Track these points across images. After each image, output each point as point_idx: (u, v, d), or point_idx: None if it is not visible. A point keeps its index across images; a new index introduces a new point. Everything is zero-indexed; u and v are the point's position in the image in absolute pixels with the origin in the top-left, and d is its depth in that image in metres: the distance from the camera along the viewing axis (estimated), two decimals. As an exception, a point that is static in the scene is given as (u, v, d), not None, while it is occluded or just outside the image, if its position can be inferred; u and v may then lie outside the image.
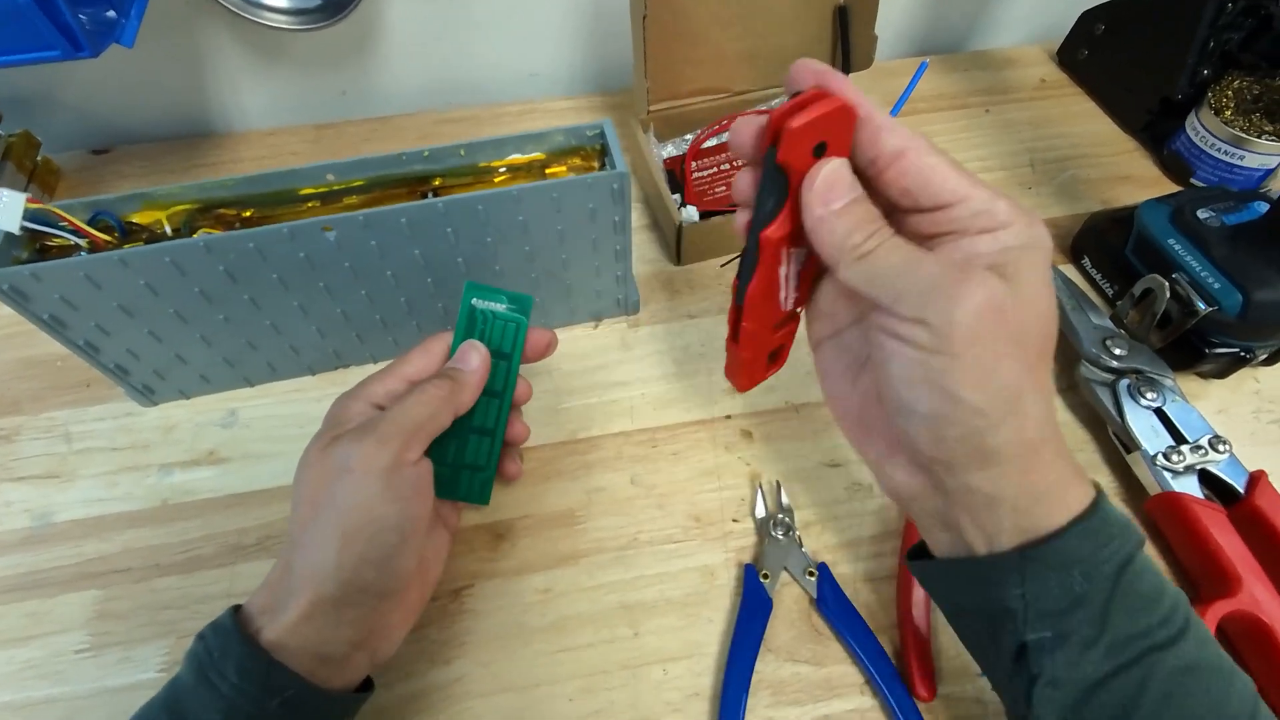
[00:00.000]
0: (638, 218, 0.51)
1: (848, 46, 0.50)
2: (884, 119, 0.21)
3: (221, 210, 0.35)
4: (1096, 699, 0.21)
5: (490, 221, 0.35)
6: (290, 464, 0.27)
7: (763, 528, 0.36)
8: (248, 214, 0.35)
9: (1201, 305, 0.38)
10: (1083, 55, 0.59)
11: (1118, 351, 0.40)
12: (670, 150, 0.53)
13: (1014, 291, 0.20)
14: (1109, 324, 0.42)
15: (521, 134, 0.36)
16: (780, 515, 0.36)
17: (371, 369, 0.42)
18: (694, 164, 0.50)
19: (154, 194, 0.34)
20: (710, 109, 0.52)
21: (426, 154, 0.35)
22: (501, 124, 0.58)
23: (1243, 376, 0.42)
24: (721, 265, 0.47)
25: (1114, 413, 0.38)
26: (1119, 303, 0.43)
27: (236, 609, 0.25)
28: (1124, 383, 0.39)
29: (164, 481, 0.38)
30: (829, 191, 0.21)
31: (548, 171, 0.37)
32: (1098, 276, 0.46)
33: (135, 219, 0.34)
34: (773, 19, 0.48)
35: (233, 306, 0.35)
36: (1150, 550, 0.36)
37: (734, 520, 0.37)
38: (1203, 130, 0.49)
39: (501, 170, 0.37)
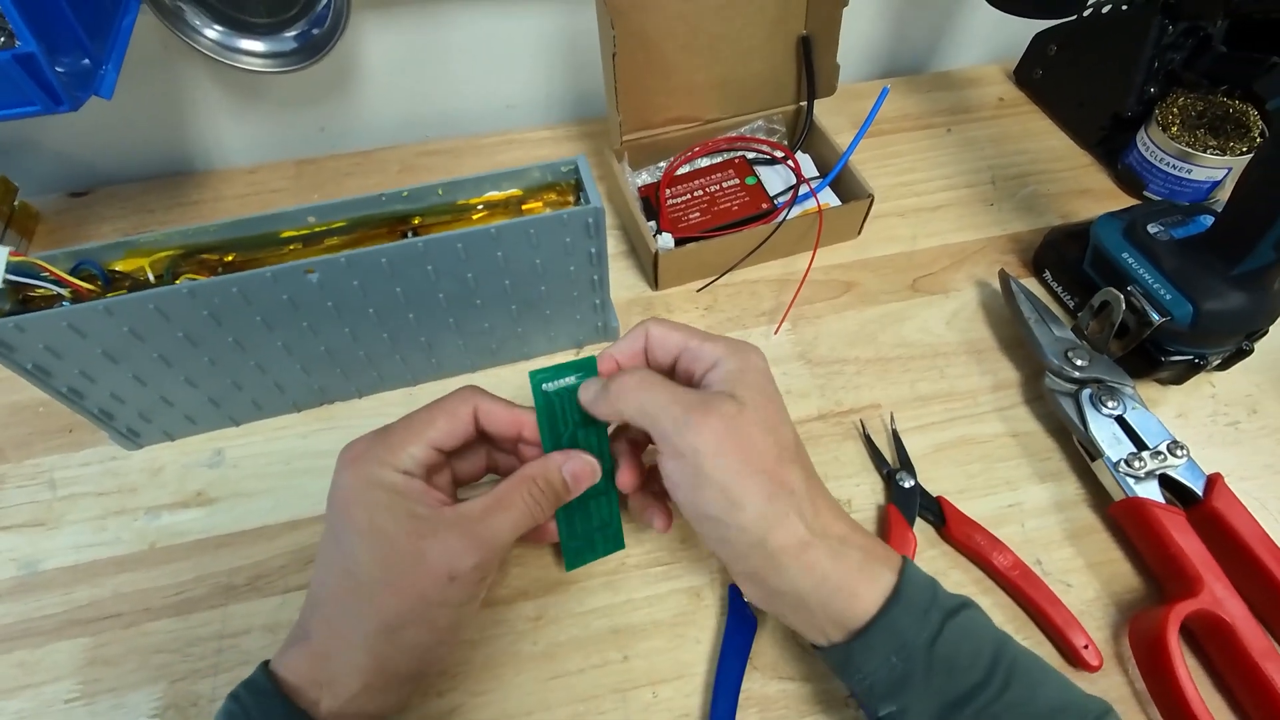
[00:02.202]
0: (615, 244, 0.52)
1: (812, 74, 0.52)
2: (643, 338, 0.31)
3: (204, 255, 0.36)
4: None
5: (470, 258, 0.36)
6: (279, 500, 0.28)
7: (746, 547, 0.37)
8: (230, 258, 0.36)
9: (1155, 316, 0.40)
10: (1038, 75, 0.61)
11: (1079, 362, 0.41)
12: (645, 178, 0.54)
13: (740, 409, 0.26)
14: (1071, 335, 0.43)
15: (498, 172, 0.37)
16: (762, 534, 0.37)
17: (357, 404, 0.43)
18: (668, 191, 0.51)
19: (136, 241, 0.34)
20: (683, 137, 0.53)
21: (406, 194, 0.36)
22: (481, 154, 0.59)
23: (1199, 381, 0.44)
24: (698, 290, 0.48)
25: (1077, 422, 0.40)
26: (1079, 314, 0.45)
27: (267, 667, 0.26)
28: (1086, 392, 0.40)
29: (152, 524, 0.39)
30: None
31: (524, 208, 0.38)
32: (1059, 289, 0.48)
33: (118, 267, 0.35)
34: (740, 49, 0.50)
35: (217, 348, 0.36)
36: (1117, 553, 0.37)
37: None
38: (1152, 145, 0.52)
39: (480, 207, 0.38)
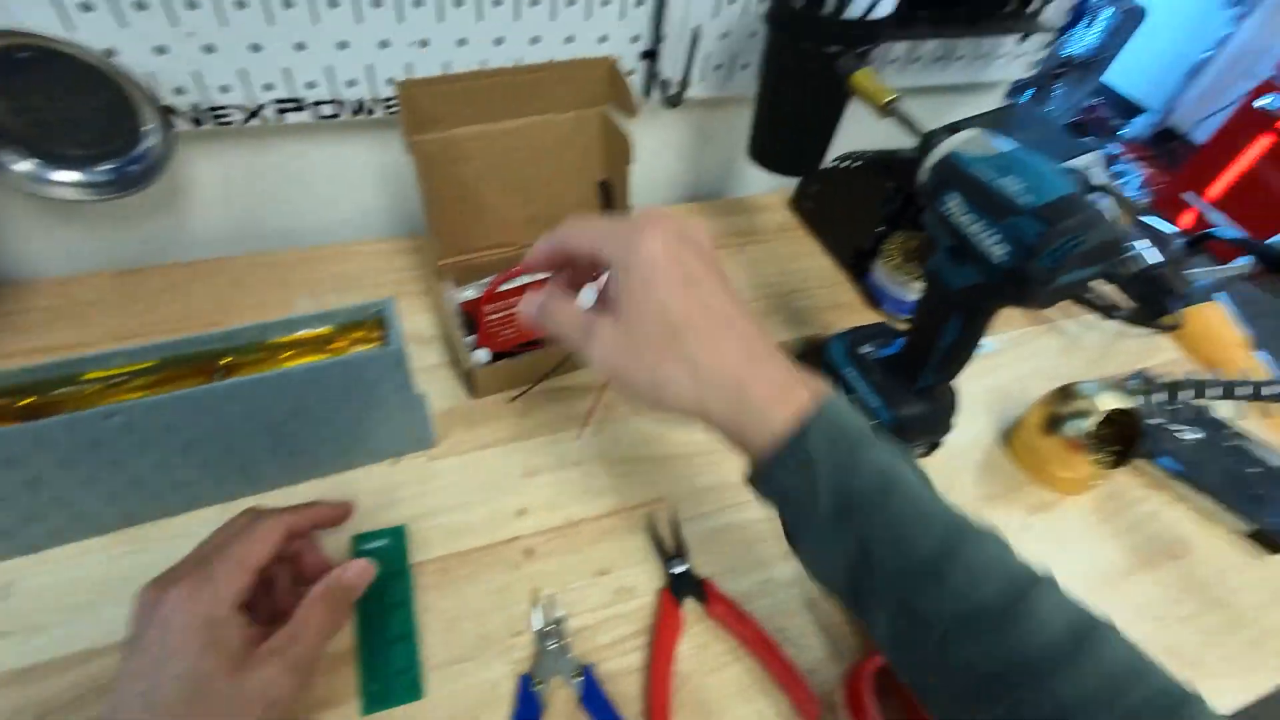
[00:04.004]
0: (438, 355, 0.57)
1: (613, 210, 0.61)
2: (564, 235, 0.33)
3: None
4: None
5: (279, 396, 0.39)
6: (78, 629, 0.30)
7: (539, 639, 0.42)
8: (26, 401, 0.37)
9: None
10: (807, 206, 0.75)
11: (816, 458, 0.51)
12: (470, 293, 0.60)
13: (620, 307, 0.30)
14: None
15: (308, 315, 0.42)
16: (553, 625, 0.43)
17: (166, 524, 0.44)
18: (488, 308, 0.58)
19: (-79, 386, 0.35)
20: (503, 259, 0.60)
21: (216, 337, 0.40)
22: (315, 267, 0.62)
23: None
24: (511, 400, 0.54)
25: (814, 508, 0.49)
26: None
27: None
28: (822, 482, 0.50)
29: (-76, 669, 0.37)
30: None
31: (331, 347, 0.42)
32: None
33: (-101, 411, 0.35)
34: (550, 191, 0.58)
35: (7, 488, 0.37)
36: (842, 617, 0.46)
37: (516, 634, 0.43)
38: (881, 273, 0.65)
39: (290, 347, 0.42)
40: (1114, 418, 0.53)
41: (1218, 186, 2.46)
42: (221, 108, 0.51)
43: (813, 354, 0.59)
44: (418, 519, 0.47)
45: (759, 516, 0.51)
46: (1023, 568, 0.29)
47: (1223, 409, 0.61)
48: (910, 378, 0.50)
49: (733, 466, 0.53)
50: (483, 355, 0.54)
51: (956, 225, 0.41)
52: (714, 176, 0.79)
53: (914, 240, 0.65)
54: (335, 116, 0.55)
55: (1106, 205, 0.68)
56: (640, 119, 0.60)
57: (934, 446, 0.54)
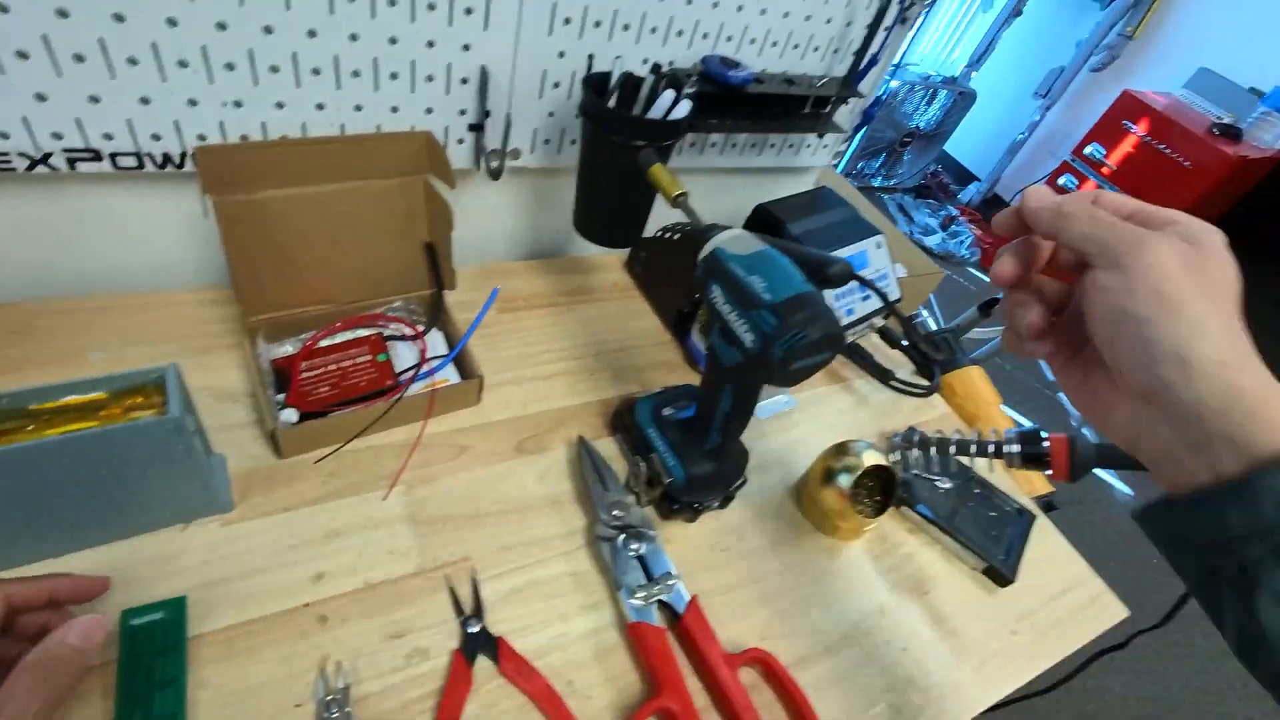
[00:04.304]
0: (247, 413, 0.56)
1: (438, 272, 0.63)
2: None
3: None
4: None
5: (31, 469, 0.38)
6: None
7: (321, 709, 0.42)
8: None
9: (665, 478, 0.56)
10: (637, 269, 0.80)
11: (617, 513, 0.55)
12: (287, 349, 0.59)
13: (1197, 249, 0.28)
14: (622, 491, 0.58)
15: (80, 380, 0.40)
16: (337, 694, 0.43)
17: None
18: (304, 364, 0.57)
19: None
20: (324, 314, 0.60)
21: (-37, 404, 0.37)
22: (116, 316, 0.59)
23: (707, 519, 0.61)
24: (315, 461, 0.54)
25: (610, 561, 0.53)
26: (629, 472, 0.59)
27: None
28: (622, 537, 0.54)
29: None
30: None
31: (103, 413, 0.41)
32: (625, 449, 0.63)
33: None
34: (373, 252, 0.59)
35: None
36: (629, 666, 0.50)
37: (297, 706, 0.43)
38: (695, 336, 0.71)
39: (57, 414, 0.40)
40: (877, 472, 0.61)
41: (1031, 249, 2.85)
42: (3, 154, 0.49)
43: (626, 412, 0.63)
44: (204, 588, 0.46)
45: (560, 571, 0.53)
46: None
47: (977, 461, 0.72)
48: (700, 439, 0.56)
49: (544, 523, 0.56)
50: (290, 415, 0.53)
51: (719, 312, 0.47)
52: (553, 235, 0.83)
53: (725, 308, 0.72)
54: (140, 167, 0.53)
55: (890, 281, 0.79)
56: (478, 181, 0.63)
57: (728, 499, 0.60)
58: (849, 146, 3.08)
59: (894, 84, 2.87)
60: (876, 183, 3.27)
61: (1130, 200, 0.32)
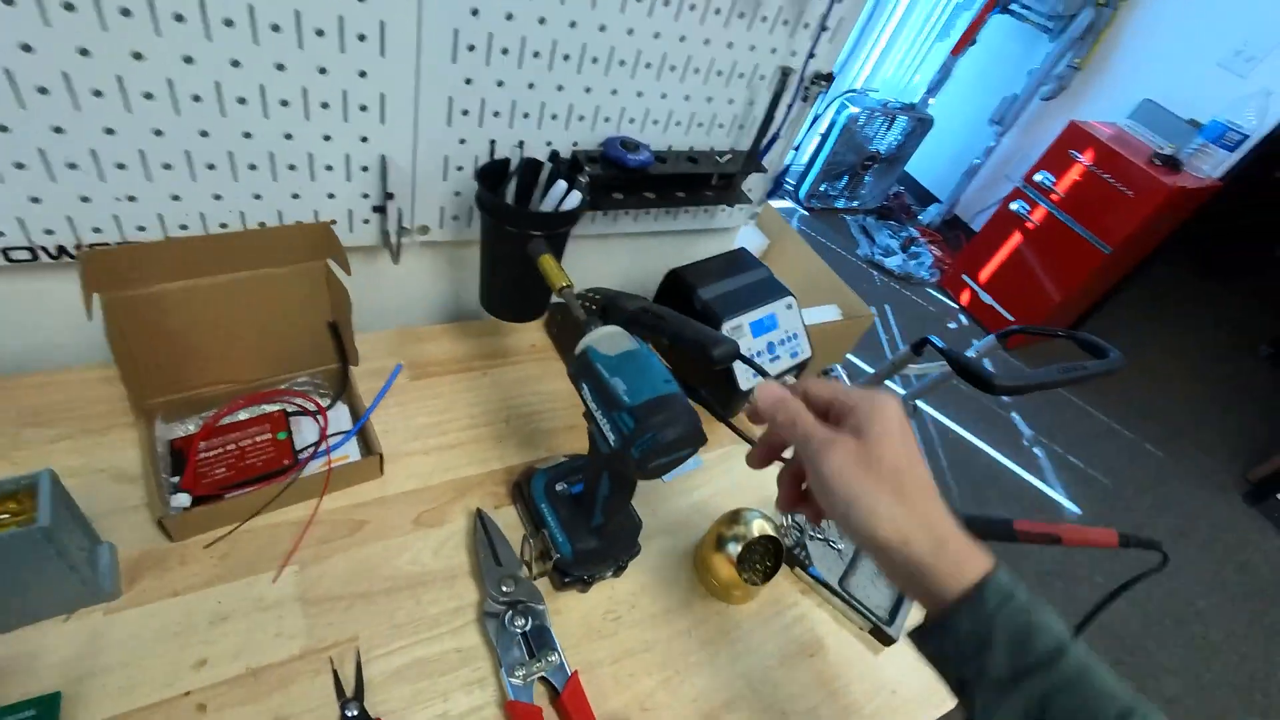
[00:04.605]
0: (142, 495, 0.57)
1: (343, 349, 0.64)
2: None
3: None
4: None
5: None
6: None
7: (191, 800, 0.44)
8: None
9: (555, 553, 0.58)
10: (553, 330, 0.83)
11: (505, 589, 0.57)
12: (189, 427, 0.61)
13: (864, 441, 0.37)
14: (515, 564, 0.60)
15: (-51, 489, 0.42)
16: (207, 786, 0.45)
17: None
18: (203, 444, 0.59)
19: None
20: (228, 392, 0.62)
21: None
22: (13, 396, 0.60)
23: (601, 587, 0.63)
24: (205, 547, 0.55)
25: (494, 639, 0.55)
26: (522, 545, 0.62)
27: None
28: (508, 614, 0.56)
29: None
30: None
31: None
32: (523, 519, 0.66)
33: None
34: (276, 332, 0.61)
35: None
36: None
37: (167, 798, 0.44)
38: (602, 403, 0.74)
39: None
40: (767, 540, 0.64)
41: (987, 270, 2.92)
42: (-108, 250, 0.50)
43: (524, 483, 0.65)
44: (81, 680, 0.47)
45: (448, 649, 0.55)
46: None
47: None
48: (587, 516, 0.58)
49: (435, 598, 0.58)
50: (183, 500, 0.55)
51: (589, 408, 0.50)
52: (472, 299, 0.85)
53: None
54: (33, 259, 0.55)
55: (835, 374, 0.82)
56: (388, 255, 0.65)
57: (621, 567, 0.62)
58: (808, 175, 3.15)
59: (853, 110, 2.94)
60: (839, 204, 3.34)
61: (829, 388, 0.40)
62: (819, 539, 0.71)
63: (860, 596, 0.67)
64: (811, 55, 0.75)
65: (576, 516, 0.59)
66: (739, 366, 0.75)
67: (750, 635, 0.64)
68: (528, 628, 0.56)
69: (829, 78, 0.77)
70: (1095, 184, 2.48)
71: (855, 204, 3.36)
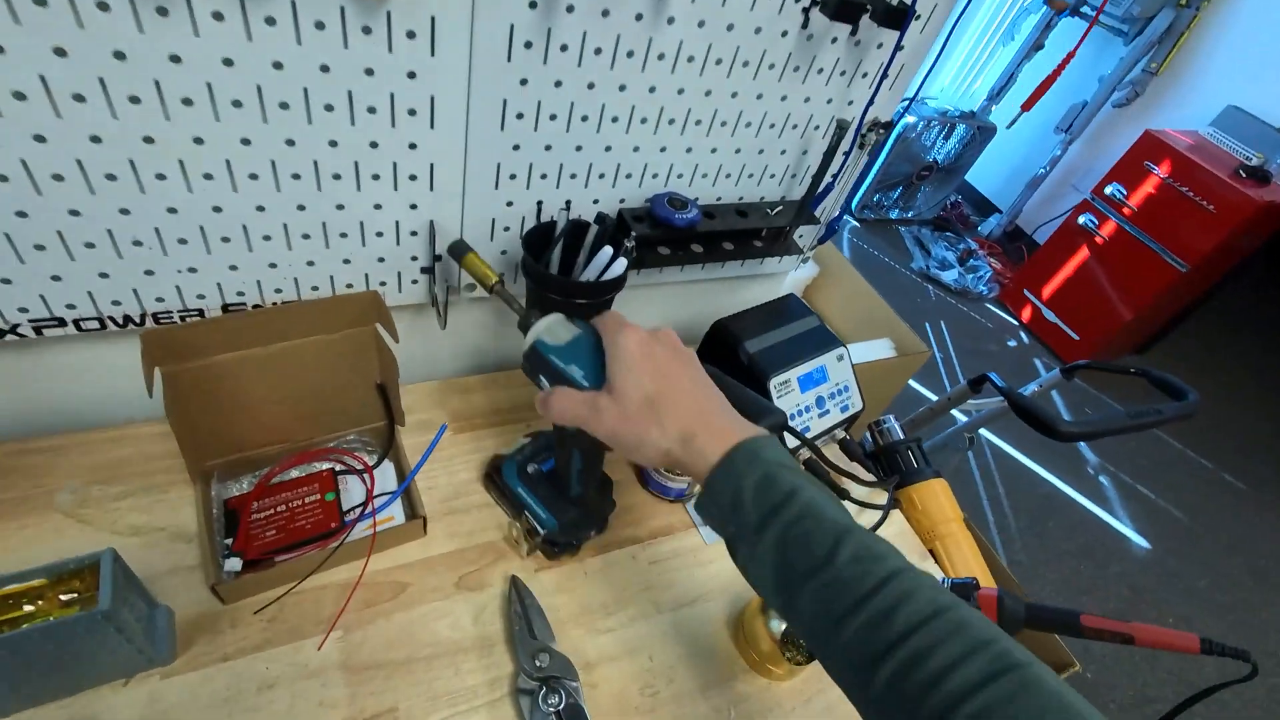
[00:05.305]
0: (194, 556, 0.59)
1: (390, 409, 0.65)
2: None
3: None
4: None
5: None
6: None
7: None
8: None
9: (541, 529, 0.60)
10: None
11: (539, 663, 0.57)
12: (244, 485, 0.63)
13: (613, 388, 0.44)
14: (548, 636, 0.59)
15: (23, 570, 0.44)
16: None
17: None
18: (256, 504, 0.60)
19: None
20: (279, 452, 0.63)
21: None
22: (86, 452, 0.63)
23: (638, 657, 0.61)
24: (255, 613, 0.57)
25: (528, 717, 0.55)
26: (507, 530, 0.63)
27: None
28: (543, 690, 0.56)
29: None
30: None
31: (41, 603, 0.44)
32: (502, 506, 0.67)
33: None
34: (325, 395, 0.62)
35: None
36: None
37: None
38: (644, 462, 0.73)
39: (-4, 603, 0.43)
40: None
41: (1050, 286, 2.78)
42: (-27, 326, 0.53)
43: (495, 472, 0.67)
44: (138, 746, 0.49)
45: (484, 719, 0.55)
46: (890, 561, 0.37)
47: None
48: (563, 489, 0.60)
49: (471, 667, 0.58)
50: (235, 564, 0.56)
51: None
52: (516, 350, 0.85)
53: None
54: (102, 329, 0.57)
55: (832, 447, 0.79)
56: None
57: (603, 523, 0.65)
58: (864, 183, 3.05)
59: (910, 119, 2.84)
60: (894, 215, 3.24)
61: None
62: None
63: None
64: (870, 103, 0.72)
65: (554, 492, 0.61)
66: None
67: (791, 716, 0.62)
68: (561, 706, 0.55)
69: (888, 125, 0.74)
70: (1172, 197, 2.33)
71: (910, 214, 3.26)
